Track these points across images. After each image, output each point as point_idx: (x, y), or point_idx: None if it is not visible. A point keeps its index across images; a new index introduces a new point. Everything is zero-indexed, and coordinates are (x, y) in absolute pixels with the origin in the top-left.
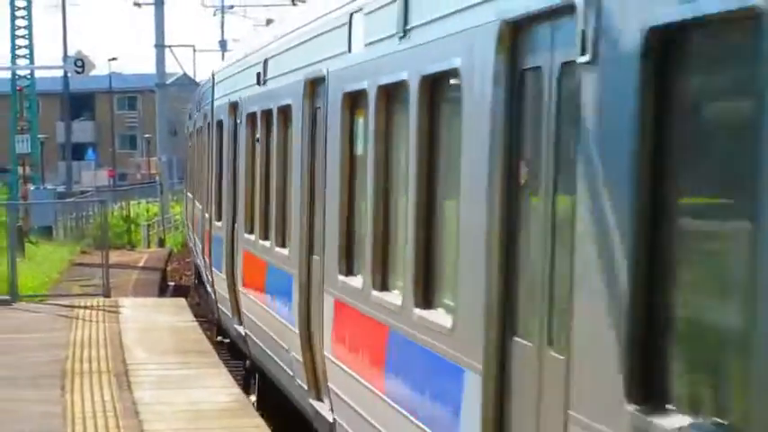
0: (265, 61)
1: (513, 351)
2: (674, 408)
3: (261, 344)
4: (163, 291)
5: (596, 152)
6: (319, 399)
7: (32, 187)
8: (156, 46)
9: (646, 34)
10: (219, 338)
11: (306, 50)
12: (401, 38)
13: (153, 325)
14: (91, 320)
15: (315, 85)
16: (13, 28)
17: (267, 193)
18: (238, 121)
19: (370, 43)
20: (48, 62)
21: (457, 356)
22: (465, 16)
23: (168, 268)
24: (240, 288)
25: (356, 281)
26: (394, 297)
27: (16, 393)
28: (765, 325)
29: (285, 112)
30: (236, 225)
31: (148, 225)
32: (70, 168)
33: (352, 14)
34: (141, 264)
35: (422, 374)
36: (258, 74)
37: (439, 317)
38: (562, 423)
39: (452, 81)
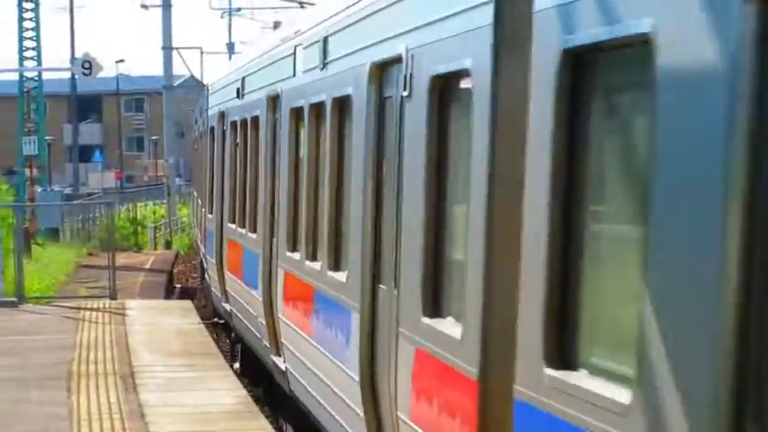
0: (243, 79)
1: (378, 294)
2: (451, 318)
3: (240, 316)
4: (169, 293)
5: (412, 158)
6: (278, 354)
7: (39, 189)
8: (164, 48)
9: (430, 80)
10: (215, 319)
11: (268, 73)
12: (321, 69)
13: (159, 327)
14: (97, 322)
15: (274, 101)
16: (21, 30)
17: (244, 188)
18: (224, 128)
19: (306, 71)
20: (55, 64)
21: (348, 302)
22: (355, 57)
23: (175, 270)
24: (225, 271)
25: (297, 255)
26: (318, 265)
27: (22, 395)
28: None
29: (255, 121)
30: (223, 218)
31: (155, 227)
32: (77, 170)
33: (296, 47)
34: (148, 266)
35: (331, 318)
36: (238, 89)
37: (341, 276)
38: (395, 336)
39: (348, 103)
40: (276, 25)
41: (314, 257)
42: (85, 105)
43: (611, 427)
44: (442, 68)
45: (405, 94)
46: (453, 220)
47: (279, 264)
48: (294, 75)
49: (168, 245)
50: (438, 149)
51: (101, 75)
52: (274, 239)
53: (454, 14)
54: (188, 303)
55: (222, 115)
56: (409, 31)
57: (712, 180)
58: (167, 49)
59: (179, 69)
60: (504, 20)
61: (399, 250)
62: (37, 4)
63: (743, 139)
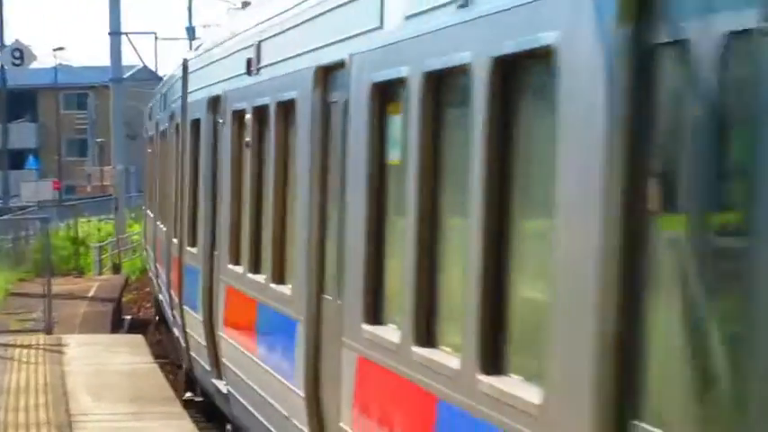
0: (185, 73)
1: (323, 305)
2: (393, 325)
3: (182, 339)
4: (117, 326)
5: (353, 166)
6: (219, 377)
7: None
8: (111, 34)
9: (370, 87)
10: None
11: (212, 71)
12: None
13: (104, 367)
14: (29, 362)
15: (215, 103)
16: None
17: (194, 196)
18: (171, 131)
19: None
20: None
21: (293, 315)
22: (300, 60)
23: (124, 299)
24: (172, 291)
25: (239, 268)
26: (261, 277)
27: None
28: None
29: (197, 124)
30: (168, 231)
31: (100, 248)
32: (7, 179)
33: (238, 48)
34: (91, 294)
35: (275, 333)
36: (165, 96)
37: (285, 289)
38: (339, 346)
39: (292, 108)
40: (245, 5)
41: (257, 270)
42: (17, 102)
43: (523, 426)
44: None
45: (347, 99)
46: (394, 229)
47: (220, 278)
48: (247, 74)
49: (116, 268)
50: (378, 158)
51: (35, 65)
52: (215, 252)
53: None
54: (139, 338)
55: (172, 116)
56: (354, 37)
57: (593, 188)
58: (115, 34)
59: (129, 58)
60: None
61: (343, 259)
62: None
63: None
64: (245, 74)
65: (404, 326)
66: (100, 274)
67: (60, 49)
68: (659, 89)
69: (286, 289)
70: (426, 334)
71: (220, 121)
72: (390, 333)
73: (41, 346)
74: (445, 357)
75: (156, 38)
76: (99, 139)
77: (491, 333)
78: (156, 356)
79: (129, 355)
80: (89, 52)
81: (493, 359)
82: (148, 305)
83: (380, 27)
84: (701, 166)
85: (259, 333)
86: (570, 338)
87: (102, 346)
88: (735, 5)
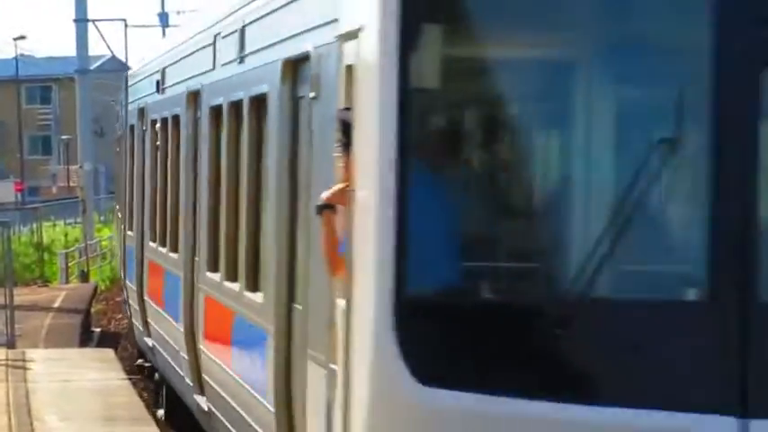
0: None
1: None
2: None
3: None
4: (86, 340)
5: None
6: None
7: None
8: (77, 21)
9: (209, 109)
10: (140, 361)
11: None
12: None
13: (72, 384)
14: None
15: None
16: None
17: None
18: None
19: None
20: None
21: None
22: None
23: (93, 310)
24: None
25: (217, 276)
26: (236, 286)
27: None
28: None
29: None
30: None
31: (67, 254)
32: None
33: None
34: (57, 304)
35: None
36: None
37: (258, 296)
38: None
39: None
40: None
41: (234, 277)
42: None
43: None
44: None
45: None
46: (207, 207)
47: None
48: (214, 68)
49: (84, 277)
50: (215, 161)
51: None
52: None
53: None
54: (110, 353)
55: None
56: (204, 73)
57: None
58: (81, 21)
59: (97, 48)
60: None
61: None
62: None
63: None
64: (155, 92)
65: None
66: (66, 282)
67: (21, 38)
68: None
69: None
70: (233, 276)
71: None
72: None
73: (3, 362)
74: (236, 286)
75: (125, 25)
76: (64, 136)
77: (251, 272)
78: (129, 372)
79: (98, 371)
80: (53, 42)
81: (252, 284)
82: (119, 316)
83: (213, 69)
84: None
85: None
86: (269, 273)
87: (69, 361)
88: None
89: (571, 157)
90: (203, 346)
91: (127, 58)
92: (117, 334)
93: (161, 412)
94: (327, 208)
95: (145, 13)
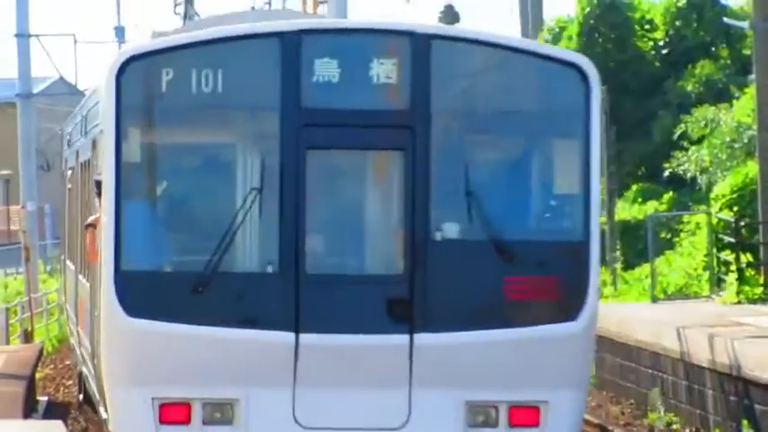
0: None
1: (92, 289)
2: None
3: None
4: (30, 411)
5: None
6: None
7: None
8: (18, 36)
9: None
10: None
11: (75, 130)
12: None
13: None
14: None
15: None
16: None
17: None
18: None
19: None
20: None
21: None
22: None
23: (38, 376)
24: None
25: (81, 278)
26: (81, 278)
27: None
28: None
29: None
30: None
31: (7, 309)
32: None
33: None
34: None
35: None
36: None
37: (84, 280)
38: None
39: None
40: None
41: (83, 274)
42: None
43: None
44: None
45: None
46: None
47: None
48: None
49: (28, 336)
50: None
51: None
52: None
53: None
54: (58, 426)
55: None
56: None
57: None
58: (23, 36)
59: (42, 68)
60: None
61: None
62: None
63: None
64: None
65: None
66: (7, 343)
67: None
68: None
69: (84, 281)
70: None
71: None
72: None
73: None
74: (81, 278)
75: (75, 41)
76: (3, 171)
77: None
78: None
79: None
80: None
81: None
82: (69, 382)
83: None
84: None
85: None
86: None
87: None
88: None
89: (206, 195)
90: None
91: (77, 80)
92: (67, 403)
93: None
94: (90, 226)
95: (98, 27)
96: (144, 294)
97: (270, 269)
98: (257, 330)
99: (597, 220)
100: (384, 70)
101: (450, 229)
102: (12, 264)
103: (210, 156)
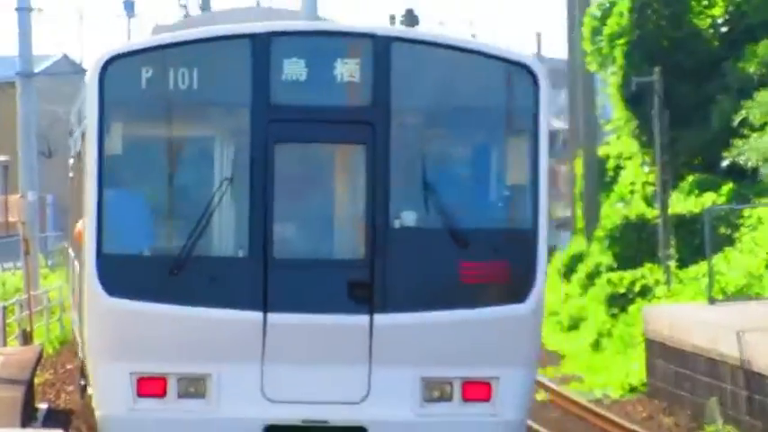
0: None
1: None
2: None
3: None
4: (28, 419)
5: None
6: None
7: None
8: (19, 9)
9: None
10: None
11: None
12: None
13: None
14: None
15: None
16: None
17: None
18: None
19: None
20: None
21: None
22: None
23: (37, 380)
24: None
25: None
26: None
27: None
28: None
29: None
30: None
31: (4, 308)
32: None
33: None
34: None
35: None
36: None
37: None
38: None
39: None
40: None
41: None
42: None
43: None
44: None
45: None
46: None
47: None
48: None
49: (27, 337)
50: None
51: None
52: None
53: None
54: None
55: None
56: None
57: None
58: (24, 11)
59: (44, 46)
60: None
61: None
62: None
63: None
64: None
65: None
66: (4, 345)
67: None
68: None
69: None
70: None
71: None
72: None
73: None
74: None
75: (80, 17)
76: (1, 158)
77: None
78: None
79: None
80: None
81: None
82: (71, 388)
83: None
84: None
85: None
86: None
87: None
88: None
89: (182, 185)
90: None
91: (82, 59)
92: (68, 411)
93: None
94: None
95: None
96: (123, 276)
97: (240, 254)
98: (228, 310)
99: (545, 209)
100: (347, 70)
101: (408, 218)
102: (10, 258)
103: (186, 148)
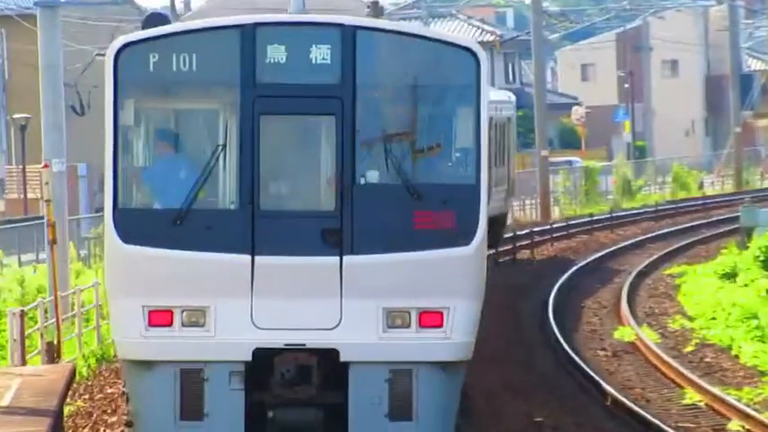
0: None
1: None
2: None
3: None
4: None
5: None
6: None
7: None
8: None
9: None
10: None
11: None
12: None
13: None
14: None
15: None
16: None
17: None
18: None
19: None
20: None
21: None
22: None
23: (68, 410)
24: None
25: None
26: None
27: None
28: None
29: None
30: None
31: (23, 313)
32: None
33: None
34: (6, 402)
35: None
36: None
37: None
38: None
39: None
40: None
41: None
42: None
43: None
44: None
45: None
46: None
47: None
48: None
49: (53, 353)
50: None
51: None
52: None
53: None
54: None
55: None
56: None
57: None
58: None
59: None
60: None
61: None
62: None
63: None
64: None
65: None
66: (23, 363)
67: None
68: None
69: None
70: None
71: None
72: None
73: None
74: None
75: None
76: (17, 115)
77: None
78: None
79: None
80: None
81: None
82: (112, 419)
83: None
84: None
85: None
86: None
87: None
88: None
89: (183, 150)
90: None
91: None
92: None
93: None
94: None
95: None
96: (136, 226)
97: (232, 206)
98: (223, 254)
99: (486, 167)
100: (321, 54)
101: (372, 176)
102: (30, 247)
103: (186, 120)
